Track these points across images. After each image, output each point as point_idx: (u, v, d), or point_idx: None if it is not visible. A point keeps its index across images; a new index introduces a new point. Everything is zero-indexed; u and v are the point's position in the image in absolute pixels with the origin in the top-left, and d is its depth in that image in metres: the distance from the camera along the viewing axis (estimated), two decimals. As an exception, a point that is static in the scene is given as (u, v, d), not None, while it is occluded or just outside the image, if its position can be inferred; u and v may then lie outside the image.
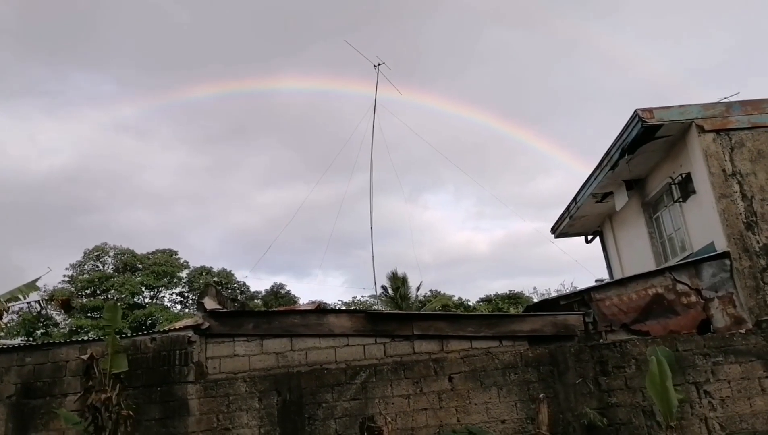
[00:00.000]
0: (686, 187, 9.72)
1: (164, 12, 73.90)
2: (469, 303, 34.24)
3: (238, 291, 37.02)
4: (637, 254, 12.33)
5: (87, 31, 74.41)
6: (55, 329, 30.90)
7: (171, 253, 36.53)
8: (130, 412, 6.90)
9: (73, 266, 35.16)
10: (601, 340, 8.09)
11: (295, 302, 34.18)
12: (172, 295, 37.09)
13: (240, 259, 62.75)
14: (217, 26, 74.01)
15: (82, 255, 35.54)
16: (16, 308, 8.12)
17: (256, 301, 36.67)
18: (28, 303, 7.85)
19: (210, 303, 8.32)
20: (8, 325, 24.57)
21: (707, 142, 9.04)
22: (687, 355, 7.72)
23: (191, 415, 7.63)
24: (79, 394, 7.12)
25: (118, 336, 7.33)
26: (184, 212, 65.94)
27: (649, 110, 9.06)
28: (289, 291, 38.52)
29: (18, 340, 24.16)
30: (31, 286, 7.90)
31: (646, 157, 10.32)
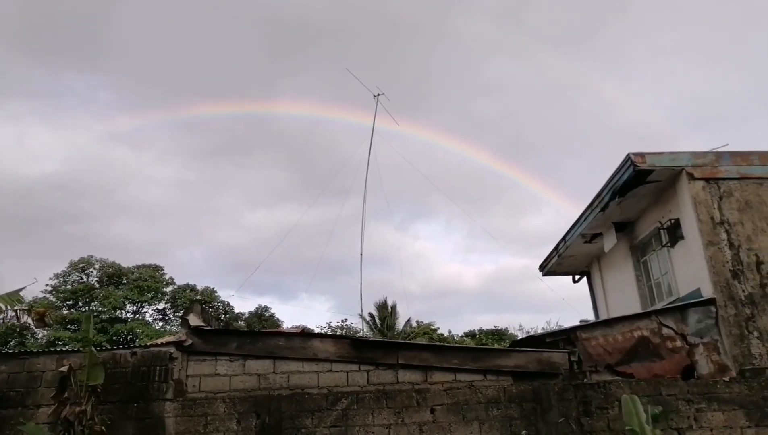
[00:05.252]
0: (675, 233, 9.84)
1: (169, 26, 74.59)
2: (446, 335, 33.93)
3: (222, 311, 36.56)
4: (624, 296, 12.38)
5: (87, 33, 73.85)
6: (32, 340, 30.26)
7: (156, 269, 36.17)
8: (103, 428, 6.71)
9: (57, 276, 34.67)
10: (585, 380, 8.06)
11: (279, 326, 33.80)
12: (154, 311, 36.59)
13: (225, 278, 62.19)
14: (221, 46, 74.76)
15: (68, 265, 35.09)
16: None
17: (239, 322, 36.22)
18: (7, 313, 7.68)
19: (194, 320, 8.22)
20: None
21: (697, 189, 9.20)
22: (670, 400, 7.70)
23: (167, 434, 7.45)
24: (53, 406, 6.94)
25: (97, 348, 7.17)
26: (172, 227, 65.59)
27: (641, 155, 9.22)
28: (273, 314, 38.16)
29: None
30: (15, 296, 7.71)
31: (636, 201, 10.46)
